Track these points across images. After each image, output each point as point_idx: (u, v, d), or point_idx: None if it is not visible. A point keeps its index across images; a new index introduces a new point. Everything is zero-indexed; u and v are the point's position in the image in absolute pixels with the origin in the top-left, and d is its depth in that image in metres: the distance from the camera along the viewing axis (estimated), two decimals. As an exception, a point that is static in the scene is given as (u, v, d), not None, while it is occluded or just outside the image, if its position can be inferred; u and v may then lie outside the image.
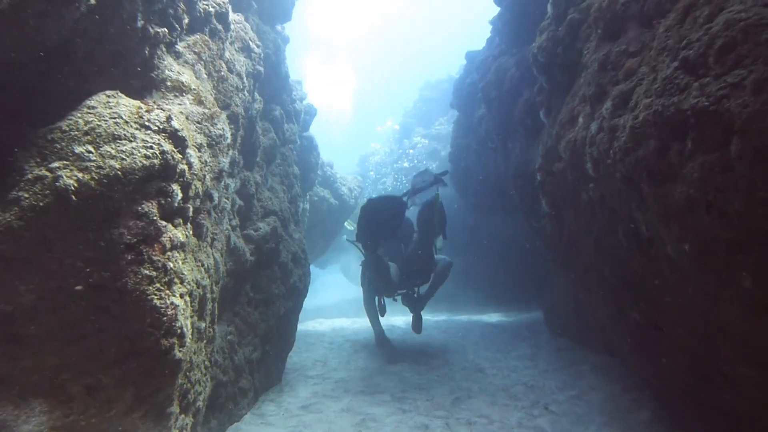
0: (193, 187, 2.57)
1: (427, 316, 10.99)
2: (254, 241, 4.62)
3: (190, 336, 2.56)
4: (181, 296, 2.45)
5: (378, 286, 6.93)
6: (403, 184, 15.40)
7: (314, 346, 7.72)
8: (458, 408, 4.80)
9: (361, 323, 9.95)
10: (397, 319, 10.13)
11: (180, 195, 2.41)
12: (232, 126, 3.54)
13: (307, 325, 9.89)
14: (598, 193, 3.35)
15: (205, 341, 3.15)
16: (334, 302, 17.00)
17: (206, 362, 3.23)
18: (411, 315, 7.77)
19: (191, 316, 2.64)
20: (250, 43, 4.13)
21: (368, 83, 61.52)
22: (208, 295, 2.98)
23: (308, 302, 17.89)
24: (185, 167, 2.46)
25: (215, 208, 3.21)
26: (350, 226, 12.88)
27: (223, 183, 3.20)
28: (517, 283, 10.67)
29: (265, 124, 5.23)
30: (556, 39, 4.17)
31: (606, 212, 3.33)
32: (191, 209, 2.58)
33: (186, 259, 2.57)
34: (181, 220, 2.49)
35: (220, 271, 3.38)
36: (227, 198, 3.75)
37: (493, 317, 10.12)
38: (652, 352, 3.69)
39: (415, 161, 16.07)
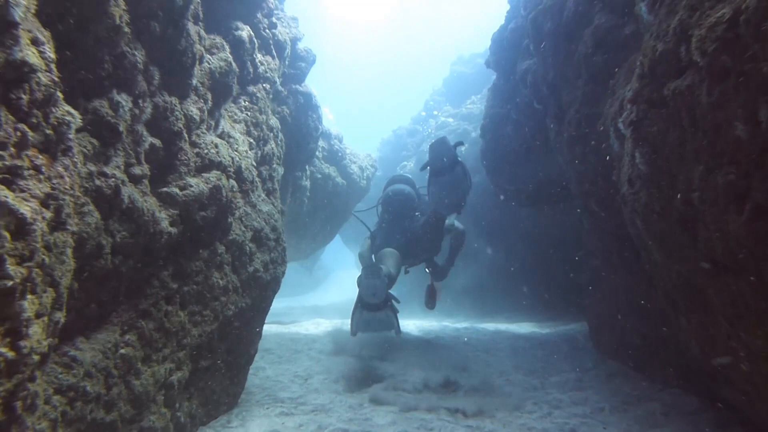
0: None
1: (447, 322, 9.38)
2: (179, 203, 3.03)
3: None
4: None
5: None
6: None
7: (299, 355, 6.12)
8: (479, 472, 3.18)
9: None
10: (408, 323, 8.50)
11: None
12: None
13: (300, 326, 8.31)
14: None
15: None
16: (343, 301, 15.56)
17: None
18: (423, 320, 6.37)
19: None
20: None
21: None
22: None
23: (315, 300, 16.54)
24: None
25: (23, 112, 1.61)
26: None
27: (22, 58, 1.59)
28: (556, 288, 9.00)
29: (216, 39, 3.60)
30: None
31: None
32: None
33: None
34: None
35: (40, 236, 1.78)
36: (84, 118, 2.15)
37: (525, 327, 8.48)
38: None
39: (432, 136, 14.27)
